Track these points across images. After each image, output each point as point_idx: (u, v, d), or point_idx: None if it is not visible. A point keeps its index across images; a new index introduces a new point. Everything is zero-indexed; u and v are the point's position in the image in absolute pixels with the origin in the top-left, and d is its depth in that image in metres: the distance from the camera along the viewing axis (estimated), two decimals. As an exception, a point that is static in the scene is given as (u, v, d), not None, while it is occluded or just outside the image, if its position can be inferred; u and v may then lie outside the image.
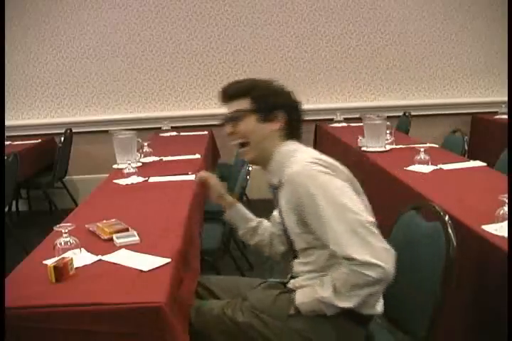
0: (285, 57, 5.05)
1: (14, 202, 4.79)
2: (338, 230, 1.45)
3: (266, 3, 4.96)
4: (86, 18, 4.91)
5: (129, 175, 2.93)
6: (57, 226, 1.74)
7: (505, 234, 1.75)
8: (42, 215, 4.73)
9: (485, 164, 2.93)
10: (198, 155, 3.57)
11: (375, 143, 3.44)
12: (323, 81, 5.11)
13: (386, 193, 2.85)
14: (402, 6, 5.03)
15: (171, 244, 1.81)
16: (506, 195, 1.85)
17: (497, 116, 4.81)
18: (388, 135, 3.58)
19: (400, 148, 3.50)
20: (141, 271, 1.60)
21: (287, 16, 4.98)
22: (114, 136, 3.31)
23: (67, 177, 4.84)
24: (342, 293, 1.47)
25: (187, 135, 4.63)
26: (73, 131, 4.73)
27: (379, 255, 1.42)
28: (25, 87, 4.99)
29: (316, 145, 4.84)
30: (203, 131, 4.60)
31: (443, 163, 2.91)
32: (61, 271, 1.54)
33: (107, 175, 3.11)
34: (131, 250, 1.77)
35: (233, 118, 1.67)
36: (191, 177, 2.79)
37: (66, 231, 1.70)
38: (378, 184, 3.00)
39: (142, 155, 3.48)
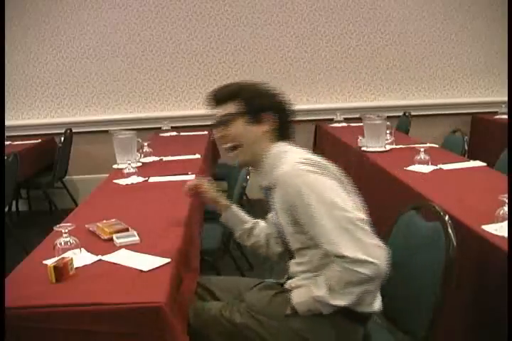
0: (285, 57, 5.05)
1: (14, 202, 4.79)
2: (329, 228, 1.45)
3: (266, 3, 4.95)
4: (86, 18, 4.91)
5: (129, 175, 2.93)
6: (57, 226, 1.74)
7: (505, 234, 1.75)
8: (42, 215, 4.72)
9: (485, 164, 2.93)
10: (198, 155, 3.57)
11: (375, 143, 3.44)
12: (323, 81, 5.11)
13: (386, 193, 2.85)
14: (402, 6, 5.03)
15: (171, 244, 1.81)
16: (506, 195, 1.85)
17: (497, 116, 4.80)
18: (388, 135, 3.58)
19: (400, 148, 3.50)
20: (141, 271, 1.60)
21: (287, 16, 4.98)
22: (114, 136, 3.31)
23: (67, 177, 4.84)
24: (336, 291, 1.47)
25: (187, 135, 4.63)
26: (73, 131, 4.73)
27: (371, 252, 1.42)
28: (25, 87, 4.99)
29: (316, 146, 4.84)
30: (203, 131, 4.59)
31: (443, 163, 2.91)
32: (61, 271, 1.54)
33: (107, 175, 3.11)
34: (131, 250, 1.78)
35: (222, 122, 1.67)
36: (191, 177, 2.79)
37: (66, 231, 1.71)
38: (378, 184, 3.00)
39: (142, 155, 3.48)
